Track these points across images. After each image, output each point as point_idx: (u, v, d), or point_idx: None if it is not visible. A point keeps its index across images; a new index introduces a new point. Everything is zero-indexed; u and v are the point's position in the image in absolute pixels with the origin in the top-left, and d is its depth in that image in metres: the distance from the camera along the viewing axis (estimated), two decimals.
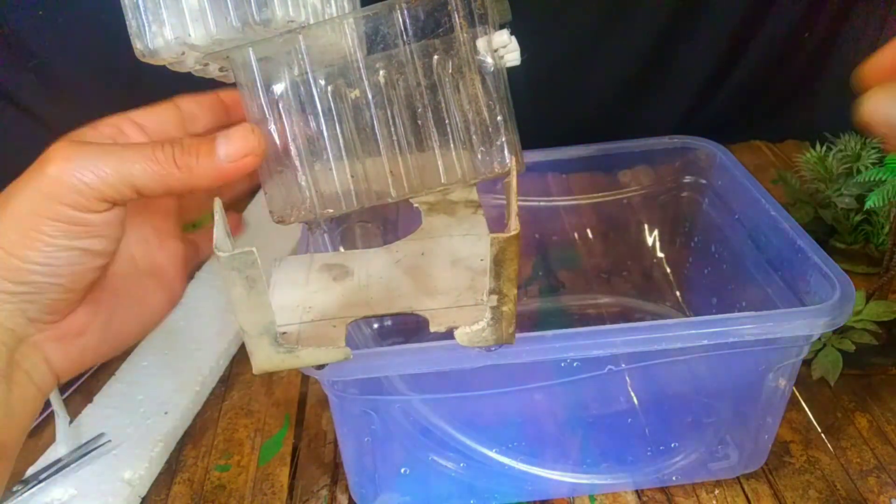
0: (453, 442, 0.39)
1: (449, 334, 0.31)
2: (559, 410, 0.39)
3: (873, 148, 0.56)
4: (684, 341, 0.34)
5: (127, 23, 0.31)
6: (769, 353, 0.37)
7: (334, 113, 0.34)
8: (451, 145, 0.35)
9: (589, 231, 0.56)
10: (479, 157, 0.35)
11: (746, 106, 0.78)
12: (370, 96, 0.34)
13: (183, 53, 0.32)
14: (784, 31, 0.72)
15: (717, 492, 0.43)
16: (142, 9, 0.31)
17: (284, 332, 0.32)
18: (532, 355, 0.33)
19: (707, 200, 0.51)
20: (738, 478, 0.43)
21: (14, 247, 0.28)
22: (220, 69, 0.34)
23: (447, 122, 0.35)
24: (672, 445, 0.42)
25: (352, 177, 0.35)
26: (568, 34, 0.70)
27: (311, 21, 0.33)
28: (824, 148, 0.59)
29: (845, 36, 0.73)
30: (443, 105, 0.34)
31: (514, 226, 0.27)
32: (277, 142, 0.34)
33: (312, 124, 0.34)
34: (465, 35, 0.33)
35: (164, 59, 0.32)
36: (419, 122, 0.35)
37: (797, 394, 0.49)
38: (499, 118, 0.35)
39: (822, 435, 0.46)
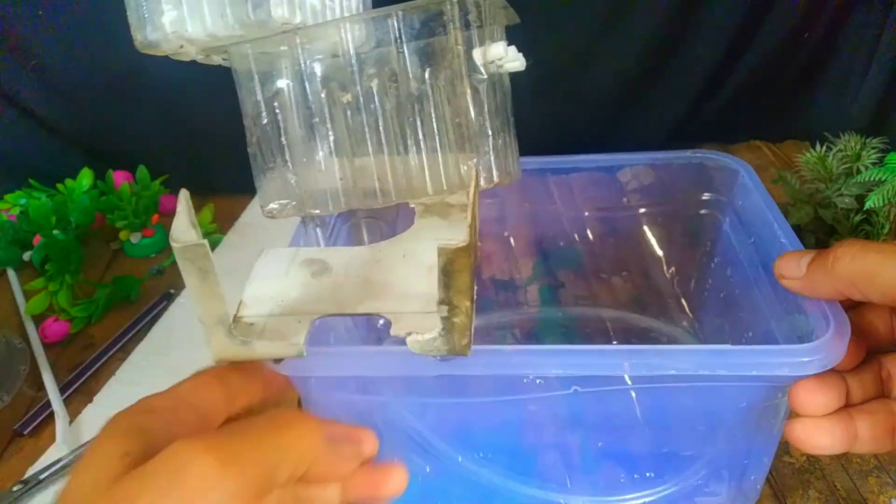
0: (421, 446, 0.38)
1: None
2: (524, 425, 0.38)
3: (873, 148, 0.56)
4: (651, 370, 0.31)
5: (128, 15, 0.32)
6: (760, 389, 0.34)
7: (326, 114, 0.34)
8: (439, 155, 0.35)
9: (599, 240, 0.54)
10: (466, 169, 0.35)
11: (746, 106, 0.78)
12: (362, 101, 0.34)
13: (181, 47, 0.32)
14: (784, 31, 0.72)
15: None
16: (142, 2, 0.31)
17: (252, 324, 0.32)
18: (486, 369, 0.32)
19: (728, 221, 0.49)
20: None
21: None
22: (224, 59, 0.35)
23: (436, 132, 0.34)
24: (647, 475, 0.40)
25: (340, 179, 0.35)
26: (567, 33, 0.70)
27: (310, 22, 0.33)
28: (824, 148, 0.59)
29: (845, 36, 0.73)
30: (433, 115, 0.34)
31: (464, 237, 0.26)
32: (270, 138, 0.34)
33: (305, 123, 0.34)
34: (459, 46, 0.33)
35: (164, 50, 0.33)
36: (408, 130, 0.34)
37: None
38: (489, 132, 0.34)
39: None
